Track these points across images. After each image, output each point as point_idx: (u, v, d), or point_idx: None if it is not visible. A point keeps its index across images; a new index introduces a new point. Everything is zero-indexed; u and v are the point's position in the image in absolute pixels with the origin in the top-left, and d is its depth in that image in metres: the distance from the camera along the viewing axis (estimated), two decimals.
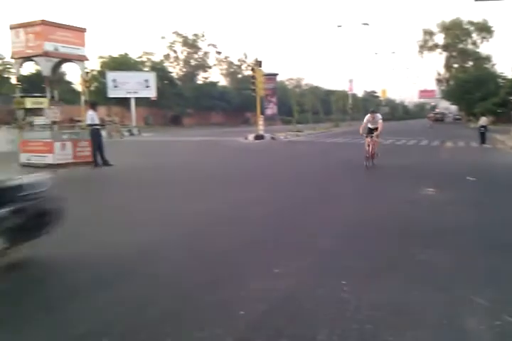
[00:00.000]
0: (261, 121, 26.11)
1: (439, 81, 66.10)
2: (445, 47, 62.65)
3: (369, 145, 11.50)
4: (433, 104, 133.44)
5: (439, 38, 63.03)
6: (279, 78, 62.34)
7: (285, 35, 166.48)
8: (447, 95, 58.16)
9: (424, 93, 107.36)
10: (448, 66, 63.92)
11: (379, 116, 11.92)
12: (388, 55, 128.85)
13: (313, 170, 11.92)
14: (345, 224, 5.87)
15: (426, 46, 63.56)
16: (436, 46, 63.35)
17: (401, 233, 5.35)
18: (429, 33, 63.23)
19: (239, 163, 14.00)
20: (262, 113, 27.75)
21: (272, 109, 55.48)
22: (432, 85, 78.49)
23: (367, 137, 11.59)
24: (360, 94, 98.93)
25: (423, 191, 8.12)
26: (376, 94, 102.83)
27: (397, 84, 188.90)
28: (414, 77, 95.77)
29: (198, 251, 4.69)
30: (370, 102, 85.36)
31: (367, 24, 47.39)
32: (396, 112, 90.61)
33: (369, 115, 11.81)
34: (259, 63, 25.25)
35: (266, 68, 29.63)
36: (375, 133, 11.62)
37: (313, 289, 3.64)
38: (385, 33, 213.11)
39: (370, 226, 5.66)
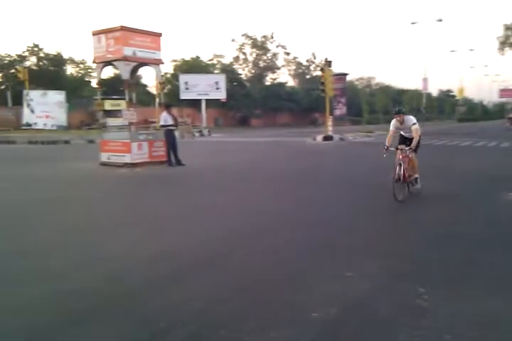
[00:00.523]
0: (330, 122, 25.74)
1: None
2: None
3: (400, 164, 7.20)
4: None
5: None
6: (348, 78, 61.32)
7: (356, 33, 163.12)
8: None
9: (505, 92, 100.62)
10: None
11: (411, 119, 7.81)
12: (465, 53, 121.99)
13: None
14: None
15: (507, 42, 59.47)
16: None
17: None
18: (511, 29, 59.19)
19: (307, 163, 13.89)
20: (331, 113, 27.35)
21: (340, 110, 54.64)
22: None
23: (398, 150, 7.40)
24: (434, 93, 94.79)
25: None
26: (452, 94, 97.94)
27: (475, 82, 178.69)
28: (494, 76, 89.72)
29: (272, 249, 4.70)
30: (445, 102, 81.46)
31: (441, 20, 45.43)
32: (474, 112, 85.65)
33: (395, 119, 7.81)
34: (328, 63, 24.93)
35: (335, 68, 29.18)
36: (411, 146, 7.41)
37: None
38: (462, 30, 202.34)
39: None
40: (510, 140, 22.55)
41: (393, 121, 7.85)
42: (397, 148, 7.40)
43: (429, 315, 3.13)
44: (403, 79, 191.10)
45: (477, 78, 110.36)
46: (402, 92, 70.04)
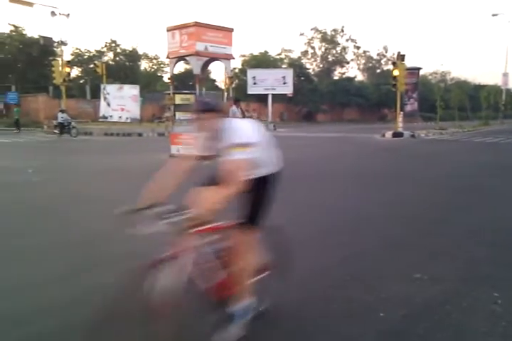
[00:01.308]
0: (400, 118, 24.93)
1: None
2: None
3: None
4: None
5: None
6: (422, 72, 58.95)
7: (431, 25, 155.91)
8: None
9: None
10: None
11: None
12: None
13: (458, 171, 10.99)
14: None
15: None
16: None
17: None
18: None
19: (375, 160, 13.55)
20: (402, 109, 26.46)
21: (412, 105, 52.79)
22: None
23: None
24: None
25: None
26: None
27: None
28: None
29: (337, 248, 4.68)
30: None
31: None
32: None
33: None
34: (401, 57, 24.06)
35: (408, 62, 28.10)
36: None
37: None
38: None
39: None
40: None
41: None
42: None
43: None
44: (481, 74, 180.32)
45: None
46: (479, 88, 66.15)
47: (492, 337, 2.81)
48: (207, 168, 2.96)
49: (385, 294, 3.45)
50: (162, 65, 54.26)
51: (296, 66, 52.61)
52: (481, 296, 3.41)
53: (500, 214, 6.17)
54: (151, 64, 55.78)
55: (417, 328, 2.93)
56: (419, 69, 54.72)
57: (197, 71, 13.19)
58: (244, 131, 2.58)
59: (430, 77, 79.75)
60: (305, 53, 64.31)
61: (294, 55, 61.87)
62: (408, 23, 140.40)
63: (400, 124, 24.69)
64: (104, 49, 51.14)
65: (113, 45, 51.19)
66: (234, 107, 13.25)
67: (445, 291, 3.52)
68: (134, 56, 51.97)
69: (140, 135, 24.57)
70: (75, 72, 48.58)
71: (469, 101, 39.01)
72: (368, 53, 69.56)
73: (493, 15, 44.20)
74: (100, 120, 29.83)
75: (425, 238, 5.04)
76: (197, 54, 12.76)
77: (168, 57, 14.09)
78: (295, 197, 7.10)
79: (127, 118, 28.26)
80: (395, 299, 3.37)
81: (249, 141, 2.49)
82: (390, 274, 3.90)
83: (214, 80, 55.26)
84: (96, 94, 34.56)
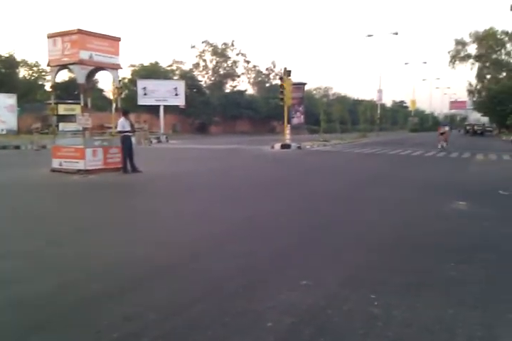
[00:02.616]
0: (288, 130, 26.09)
1: (470, 92, 64.69)
2: (478, 58, 61.46)
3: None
4: (463, 115, 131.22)
5: (472, 49, 61.96)
6: (306, 87, 62.41)
7: (314, 44, 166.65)
8: (479, 106, 56.95)
9: (455, 104, 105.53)
10: (480, 77, 62.62)
11: None
12: (419, 65, 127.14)
13: (341, 180, 11.79)
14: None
15: (458, 56, 62.54)
16: (468, 56, 62.24)
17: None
18: (461, 43, 62.26)
19: (263, 171, 14.00)
20: (289, 122, 27.74)
21: (298, 119, 55.50)
22: (464, 96, 76.88)
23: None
24: (388, 104, 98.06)
25: (455, 204, 7.94)
26: (405, 105, 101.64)
27: (427, 94, 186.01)
28: (445, 88, 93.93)
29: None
30: (398, 113, 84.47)
31: (396, 33, 47.11)
32: (426, 123, 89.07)
33: None
34: (288, 72, 25.29)
35: (294, 77, 29.67)
36: None
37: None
38: (416, 43, 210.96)
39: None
40: (468, 150, 23.63)
41: None
42: None
43: None
44: (359, 90, 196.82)
45: (429, 90, 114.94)
46: (357, 103, 71.94)
47: (370, 338, 3.01)
48: None
49: (272, 303, 3.54)
50: (43, 73, 50.65)
51: (188, 78, 52.59)
52: (360, 299, 3.65)
53: (374, 218, 6.71)
54: (31, 71, 51.73)
55: (302, 335, 3.03)
56: (304, 84, 57.89)
57: (81, 80, 12.52)
58: None
59: (314, 92, 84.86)
60: (197, 65, 64.60)
61: (186, 67, 61.90)
62: (294, 40, 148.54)
63: (287, 136, 25.83)
64: None
65: None
66: (122, 119, 12.80)
67: (327, 296, 3.71)
68: (10, 63, 47.82)
69: (17, 147, 22.58)
70: None
71: (349, 115, 42.23)
72: (257, 68, 71.96)
73: (368, 35, 48.56)
74: None
75: (309, 245, 5.29)
76: (81, 62, 12.12)
77: (49, 65, 13.19)
78: (179, 208, 7.03)
79: (2, 129, 25.90)
80: (282, 307, 3.47)
81: None
82: (278, 283, 4.01)
83: (102, 90, 52.91)
84: None
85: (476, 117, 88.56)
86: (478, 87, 62.99)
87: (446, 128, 26.32)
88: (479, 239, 5.67)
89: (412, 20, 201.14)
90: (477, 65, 62.04)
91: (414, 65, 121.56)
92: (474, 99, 63.92)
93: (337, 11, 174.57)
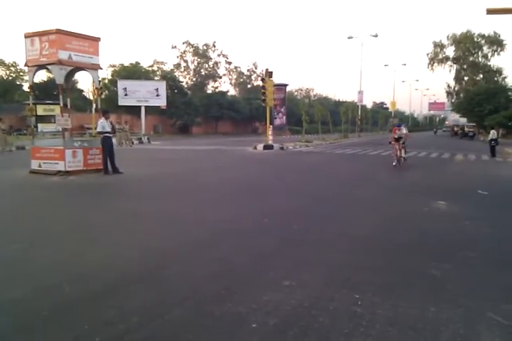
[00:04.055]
0: (270, 131, 26.14)
1: (449, 93, 65.72)
2: (456, 60, 62.47)
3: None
4: (442, 116, 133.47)
5: (450, 51, 62.95)
6: (288, 88, 62.64)
7: (295, 45, 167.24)
8: (457, 108, 57.83)
9: (434, 105, 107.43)
10: (458, 79, 63.67)
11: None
12: (398, 67, 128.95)
13: (323, 180, 11.85)
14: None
15: (436, 59, 63.45)
16: (446, 59, 63.18)
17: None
18: (439, 46, 63.18)
19: (247, 172, 13.97)
20: (271, 123, 27.79)
21: (281, 119, 55.71)
22: (442, 98, 78.12)
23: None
24: (369, 105, 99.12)
25: (434, 203, 8.04)
26: (385, 106, 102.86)
27: (407, 96, 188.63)
28: (424, 90, 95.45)
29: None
30: (378, 114, 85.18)
31: (376, 36, 47.66)
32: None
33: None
34: (269, 73, 25.33)
35: (275, 78, 29.74)
36: None
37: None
38: (396, 45, 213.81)
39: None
40: (448, 151, 23.97)
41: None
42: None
43: None
44: (340, 91, 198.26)
45: (408, 92, 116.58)
46: (339, 104, 72.43)
47: (355, 337, 3.01)
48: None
49: (256, 304, 3.52)
50: (21, 73, 49.70)
51: (169, 79, 52.30)
52: (344, 299, 3.66)
53: (356, 222, 6.75)
54: (8, 71, 50.72)
55: (286, 336, 3.02)
56: (286, 85, 58.11)
57: (60, 81, 12.31)
58: None
59: (296, 93, 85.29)
60: (178, 66, 64.37)
61: (167, 68, 61.54)
62: (275, 42, 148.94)
63: (270, 137, 25.87)
64: None
65: None
66: (103, 119, 12.63)
67: (311, 296, 3.71)
68: None
69: None
70: None
71: (331, 116, 42.28)
72: (239, 69, 72.09)
73: (349, 37, 49.03)
74: None
75: (292, 247, 5.28)
76: (59, 63, 11.92)
77: (26, 65, 12.93)
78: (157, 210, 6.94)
79: None
80: (266, 308, 3.45)
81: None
82: (261, 284, 3.99)
83: (82, 90, 52.26)
84: None
85: (455, 118, 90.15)
86: (456, 88, 64.01)
87: (404, 131, 16.39)
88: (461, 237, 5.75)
89: (391, 22, 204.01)
90: (455, 67, 63.06)
91: (394, 67, 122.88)
92: (453, 100, 64.91)
93: (318, 12, 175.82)
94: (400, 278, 4.20)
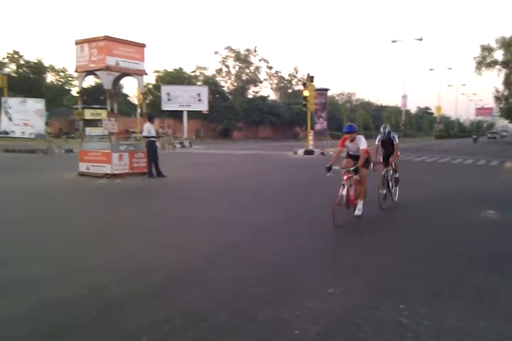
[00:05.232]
0: (311, 136, 25.98)
1: (497, 98, 63.19)
2: (505, 64, 60.04)
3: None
4: (490, 121, 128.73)
5: (498, 55, 60.59)
6: (329, 93, 62.16)
7: (338, 49, 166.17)
8: (506, 113, 55.57)
9: (481, 111, 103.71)
10: (508, 83, 61.09)
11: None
12: (444, 71, 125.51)
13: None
14: None
15: (484, 62, 61.16)
16: (495, 63, 60.85)
17: None
18: (487, 49, 60.88)
19: (288, 178, 13.92)
20: (312, 128, 27.62)
21: (321, 124, 55.30)
22: (490, 103, 75.28)
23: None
24: (413, 110, 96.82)
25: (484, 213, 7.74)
26: (430, 111, 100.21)
27: (453, 100, 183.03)
28: (471, 94, 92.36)
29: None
30: (423, 119, 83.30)
31: (421, 39, 46.60)
32: (451, 130, 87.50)
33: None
34: (311, 78, 25.20)
35: (317, 83, 29.56)
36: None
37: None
38: (441, 49, 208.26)
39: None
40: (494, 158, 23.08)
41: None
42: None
43: None
44: (383, 95, 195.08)
45: (454, 96, 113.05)
46: (381, 109, 71.24)
47: None
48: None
49: (299, 311, 3.48)
50: (70, 79, 51.83)
51: (211, 84, 53.08)
52: (389, 309, 3.56)
53: (413, 230, 6.57)
54: (58, 77, 53.00)
55: None
56: (327, 90, 57.69)
57: (108, 86, 12.73)
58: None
59: (337, 98, 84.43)
60: (219, 71, 65.09)
61: (209, 73, 62.45)
62: (317, 46, 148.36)
63: (310, 142, 25.70)
64: (6, 60, 47.84)
65: (15, 56, 48.08)
66: (148, 124, 12.93)
67: (356, 305, 3.63)
68: (38, 68, 49.11)
69: (46, 152, 23.07)
70: None
71: (373, 121, 41.74)
72: (279, 73, 72.13)
73: (393, 41, 48.14)
74: (0, 136, 27.59)
75: (335, 253, 5.21)
76: (107, 69, 12.33)
77: (76, 71, 13.46)
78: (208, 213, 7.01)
79: (31, 133, 26.42)
80: (309, 315, 3.41)
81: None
82: (304, 291, 3.95)
83: (126, 95, 53.86)
84: None
85: (504, 124, 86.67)
86: (505, 93, 61.47)
87: (397, 141, 9.13)
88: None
89: (437, 25, 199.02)
90: (504, 71, 60.59)
91: (439, 71, 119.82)
92: (501, 105, 62.43)
93: (361, 16, 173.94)
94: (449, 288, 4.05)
